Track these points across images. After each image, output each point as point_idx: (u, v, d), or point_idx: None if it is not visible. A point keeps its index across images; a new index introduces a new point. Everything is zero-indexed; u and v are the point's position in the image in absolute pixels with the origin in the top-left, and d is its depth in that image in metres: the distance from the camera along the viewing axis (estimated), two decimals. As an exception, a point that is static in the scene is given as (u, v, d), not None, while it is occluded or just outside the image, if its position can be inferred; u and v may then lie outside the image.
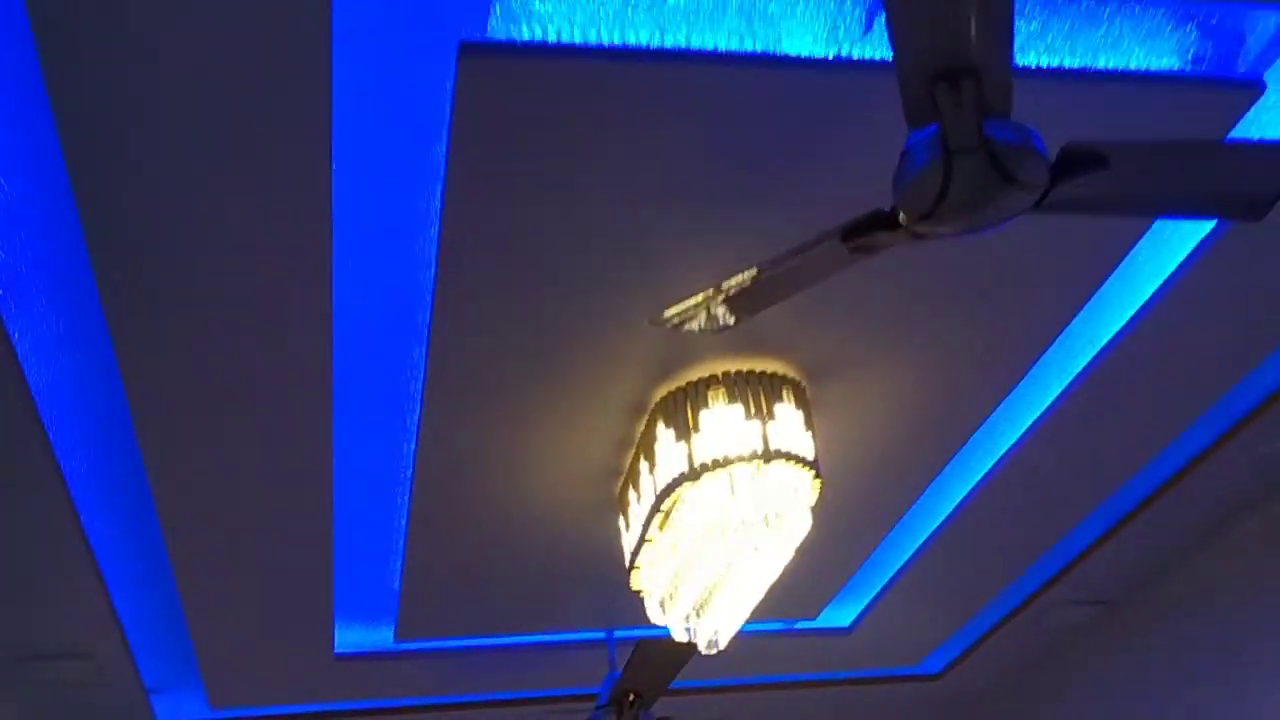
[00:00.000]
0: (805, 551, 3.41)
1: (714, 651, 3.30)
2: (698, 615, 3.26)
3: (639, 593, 3.39)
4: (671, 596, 3.27)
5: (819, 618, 4.67)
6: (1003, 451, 3.73)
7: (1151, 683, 4.60)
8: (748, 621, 4.51)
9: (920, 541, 4.22)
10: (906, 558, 4.32)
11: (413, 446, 3.28)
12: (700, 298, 2.20)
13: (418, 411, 3.15)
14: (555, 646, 4.58)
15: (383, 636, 4.41)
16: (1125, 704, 4.74)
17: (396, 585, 4.06)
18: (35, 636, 3.87)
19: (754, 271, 2.13)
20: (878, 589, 4.55)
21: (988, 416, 3.51)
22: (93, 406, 3.05)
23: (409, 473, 3.43)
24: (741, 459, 2.90)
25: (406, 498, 3.53)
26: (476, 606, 4.19)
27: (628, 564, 3.32)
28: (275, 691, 4.54)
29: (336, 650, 4.36)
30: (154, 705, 4.57)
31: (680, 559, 3.13)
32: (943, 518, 4.07)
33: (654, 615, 3.35)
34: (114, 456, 3.25)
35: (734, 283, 2.16)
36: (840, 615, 4.77)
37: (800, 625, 4.74)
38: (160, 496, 3.29)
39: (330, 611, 4.06)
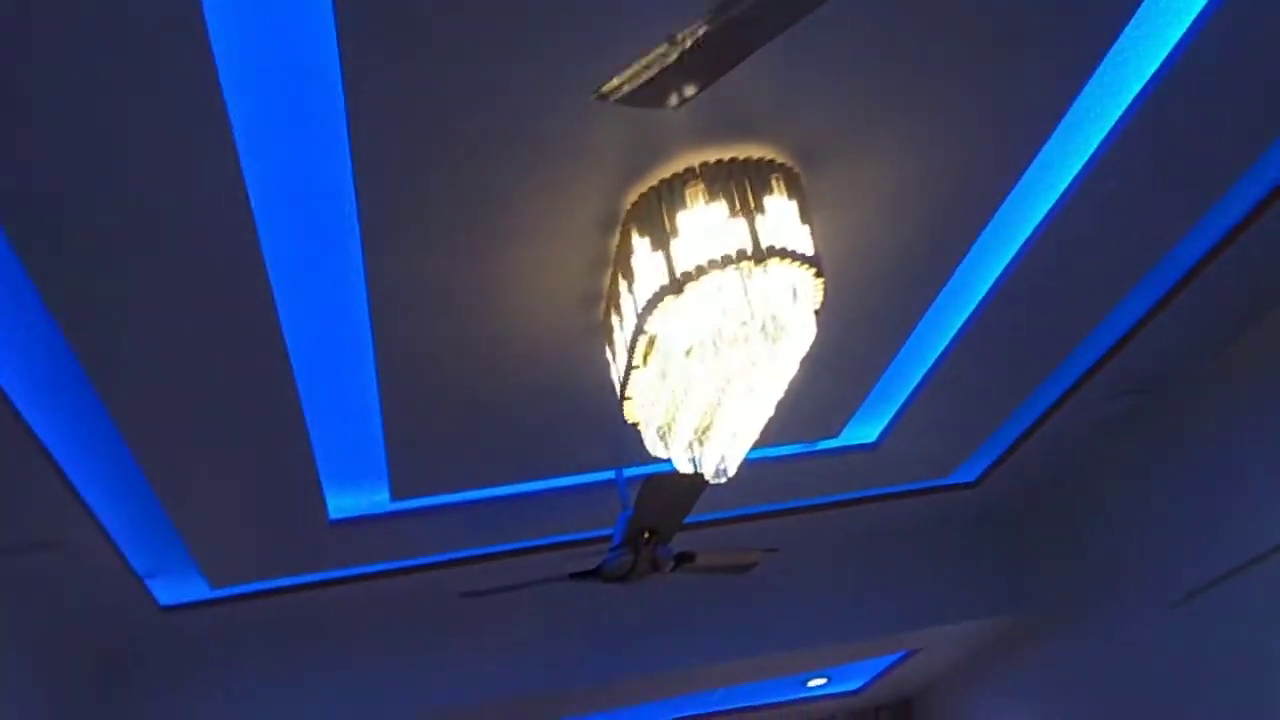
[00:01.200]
0: (817, 365, 3.08)
1: (723, 480, 2.99)
2: (700, 444, 2.94)
3: (635, 425, 3.07)
4: (670, 426, 2.94)
5: (842, 435, 4.36)
6: (1026, 235, 3.34)
7: (1197, 472, 4.29)
8: (767, 445, 4.25)
9: (944, 343, 3.86)
10: (931, 362, 3.98)
11: (363, 291, 2.93)
12: (649, 58, 1.80)
13: (360, 252, 2.78)
14: (562, 492, 4.31)
15: (381, 499, 4.15)
16: (1169, 497, 4.45)
17: (381, 443, 3.77)
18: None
19: (707, 17, 1.73)
20: (903, 399, 4.22)
21: (1005, 196, 3.11)
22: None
23: (366, 321, 3.09)
24: (729, 261, 2.52)
25: (370, 348, 3.20)
26: (472, 458, 3.90)
27: (619, 394, 2.99)
28: (274, 565, 4.32)
29: (331, 516, 4.10)
30: (153, 591, 4.36)
31: (673, 384, 2.79)
32: (966, 314, 3.70)
33: (653, 448, 3.04)
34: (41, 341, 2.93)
35: (686, 33, 1.75)
36: (865, 431, 4.46)
37: (823, 445, 4.44)
38: (99, 383, 2.99)
39: (315, 478, 3.79)
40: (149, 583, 4.31)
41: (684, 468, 3.02)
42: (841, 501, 4.98)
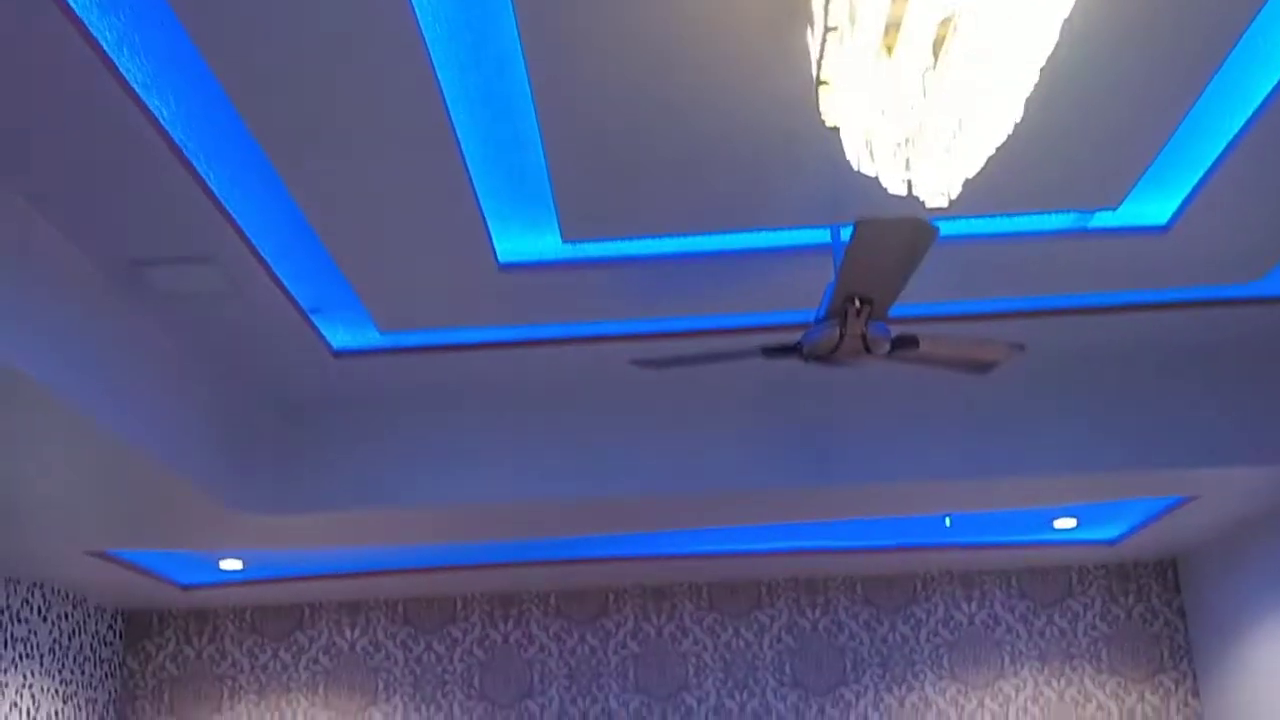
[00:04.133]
0: (1091, 101, 2.26)
1: (944, 203, 2.26)
2: (912, 154, 2.21)
3: (833, 129, 2.37)
4: (877, 128, 2.22)
5: (1122, 208, 3.48)
6: None
7: None
8: (1026, 211, 3.45)
9: (1269, 90, 2.92)
10: (1249, 115, 3.04)
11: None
12: None
13: None
14: (761, 256, 3.65)
15: (552, 242, 3.62)
16: None
17: (547, 176, 3.22)
18: (139, 242, 3.32)
19: None
20: (1207, 165, 3.29)
21: None
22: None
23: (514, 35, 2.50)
24: None
25: (521, 60, 2.62)
26: (651, 197, 3.29)
27: (814, 75, 2.28)
28: (444, 311, 3.90)
29: (500, 260, 3.62)
30: (319, 328, 4.05)
31: (881, 60, 2.06)
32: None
33: (855, 157, 2.33)
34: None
35: None
36: (1153, 208, 3.55)
37: (1097, 221, 3.58)
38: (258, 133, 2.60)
39: (479, 218, 3.30)
40: (315, 318, 4.00)
41: (893, 185, 2.31)
42: (1111, 307, 4.12)
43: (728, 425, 4.53)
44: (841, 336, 3.27)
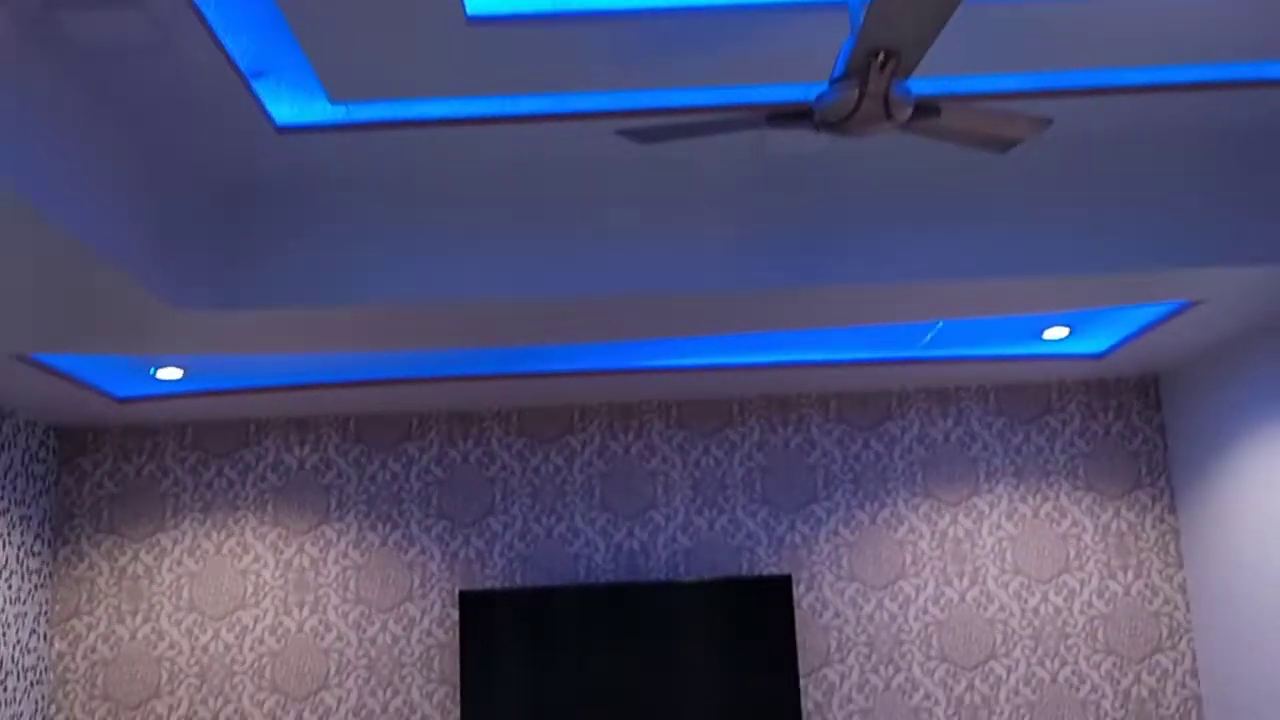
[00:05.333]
0: None
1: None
2: None
3: None
4: None
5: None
6: None
7: None
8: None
9: None
10: None
11: None
12: None
13: None
14: (769, 10, 3.24)
15: (529, -8, 3.18)
16: None
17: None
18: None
19: None
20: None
21: None
22: None
23: None
24: None
25: None
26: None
27: None
28: (404, 77, 3.45)
29: (469, 11, 3.18)
30: (261, 97, 3.59)
31: None
32: None
33: None
34: None
35: None
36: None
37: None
38: None
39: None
40: (257, 84, 3.54)
41: None
42: (1125, 87, 3.78)
43: (713, 223, 4.18)
44: (861, 97, 2.91)
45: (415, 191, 4.14)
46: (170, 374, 5.19)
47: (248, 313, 4.18)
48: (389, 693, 5.68)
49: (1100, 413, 5.95)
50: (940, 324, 5.07)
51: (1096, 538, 5.84)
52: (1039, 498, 5.88)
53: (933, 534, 5.85)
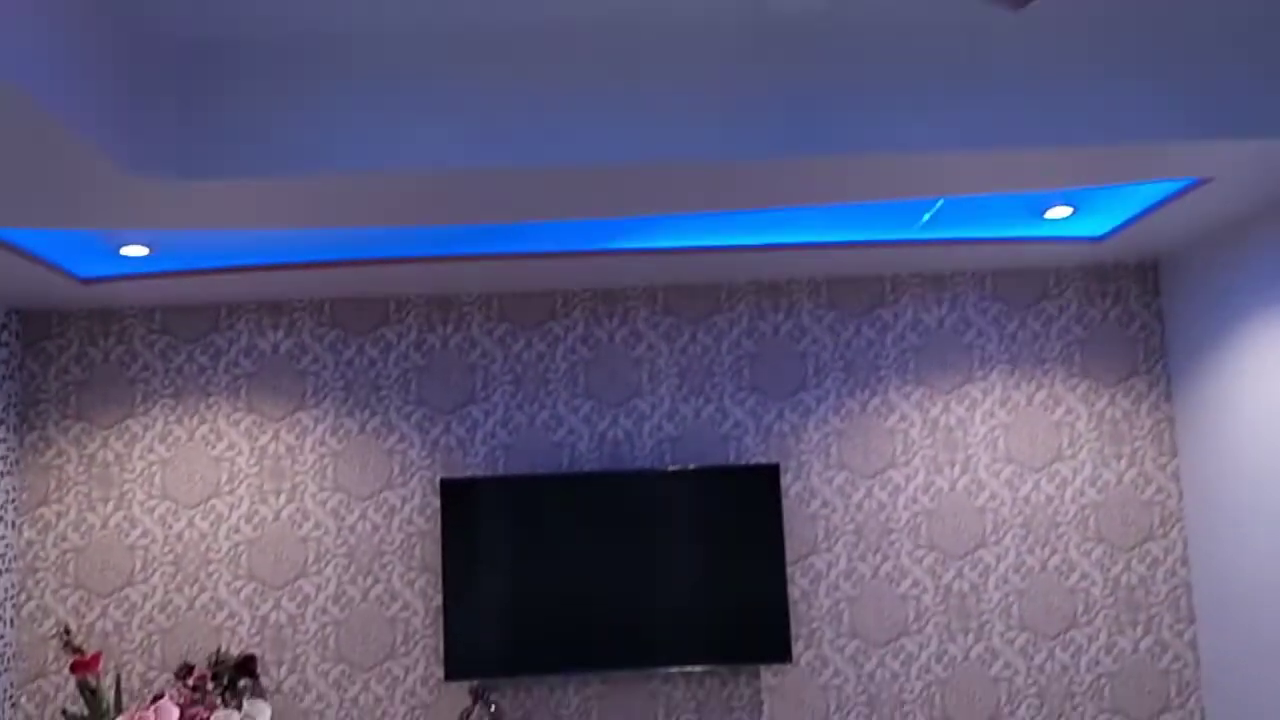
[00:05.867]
0: None
1: None
2: None
3: None
4: None
5: None
6: None
7: None
8: None
9: None
10: None
11: None
12: None
13: None
14: None
15: None
16: None
17: None
18: None
19: None
20: None
21: None
22: None
23: None
24: None
25: None
26: None
27: None
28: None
29: None
30: None
31: None
32: None
33: None
34: None
35: None
36: None
37: None
38: None
39: None
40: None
41: None
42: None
43: (701, 91, 3.93)
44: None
45: (388, 55, 3.89)
46: (135, 251, 4.96)
47: (212, 182, 3.95)
48: (369, 580, 5.57)
49: (1098, 298, 5.80)
50: (940, 203, 4.87)
51: (1090, 425, 5.73)
52: (1033, 385, 5.75)
53: (924, 422, 5.73)
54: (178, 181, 3.91)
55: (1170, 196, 4.81)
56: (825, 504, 5.67)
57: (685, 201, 4.44)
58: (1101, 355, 5.77)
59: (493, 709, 5.16)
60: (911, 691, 5.55)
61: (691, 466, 5.57)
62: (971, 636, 5.58)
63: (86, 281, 5.32)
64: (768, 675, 5.55)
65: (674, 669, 5.42)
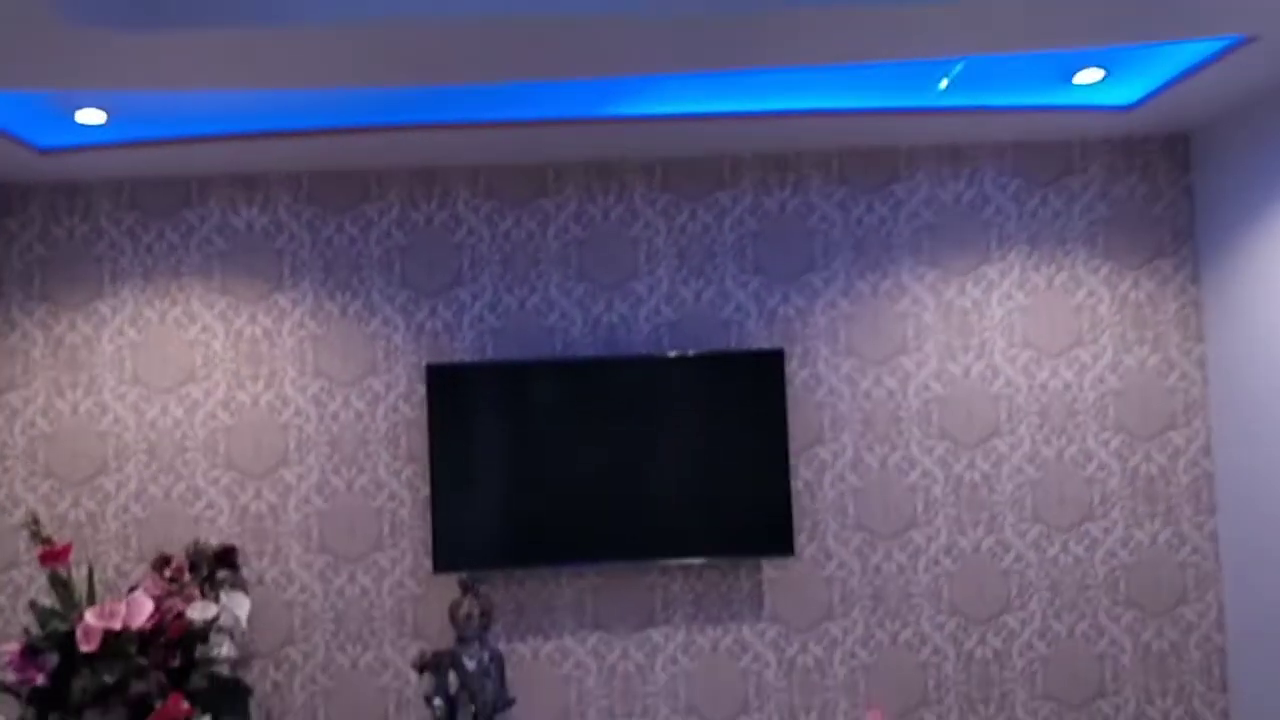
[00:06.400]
0: None
1: None
2: None
3: None
4: None
5: None
6: None
7: None
8: None
9: None
10: None
11: None
12: None
13: None
14: None
15: None
16: None
17: None
18: None
19: None
20: None
21: None
22: None
23: None
24: None
25: None
26: None
27: None
28: None
29: None
30: None
31: None
32: None
33: None
34: None
35: None
36: None
37: None
38: None
39: None
40: None
41: None
42: None
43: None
44: None
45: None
46: (91, 118, 4.61)
47: (165, 35, 3.59)
48: (354, 470, 5.32)
49: (1124, 173, 5.45)
50: (960, 65, 4.50)
51: (1113, 309, 5.42)
52: (1054, 266, 5.43)
53: (937, 305, 5.42)
54: (126, 34, 3.56)
55: (1208, 59, 4.44)
56: (832, 392, 5.39)
57: (676, 59, 4.06)
58: (1126, 235, 5.44)
59: (483, 601, 4.95)
60: (919, 585, 5.34)
61: (691, 352, 5.28)
62: (982, 529, 5.35)
63: (46, 153, 4.97)
64: (769, 569, 5.33)
65: (672, 562, 5.20)
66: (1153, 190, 5.44)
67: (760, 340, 5.39)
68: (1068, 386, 5.39)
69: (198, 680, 4.67)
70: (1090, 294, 5.42)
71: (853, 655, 5.32)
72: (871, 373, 5.39)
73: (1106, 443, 5.37)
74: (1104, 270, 5.43)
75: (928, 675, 5.31)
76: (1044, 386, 5.39)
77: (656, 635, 5.30)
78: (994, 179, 5.45)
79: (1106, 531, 5.34)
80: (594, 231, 5.42)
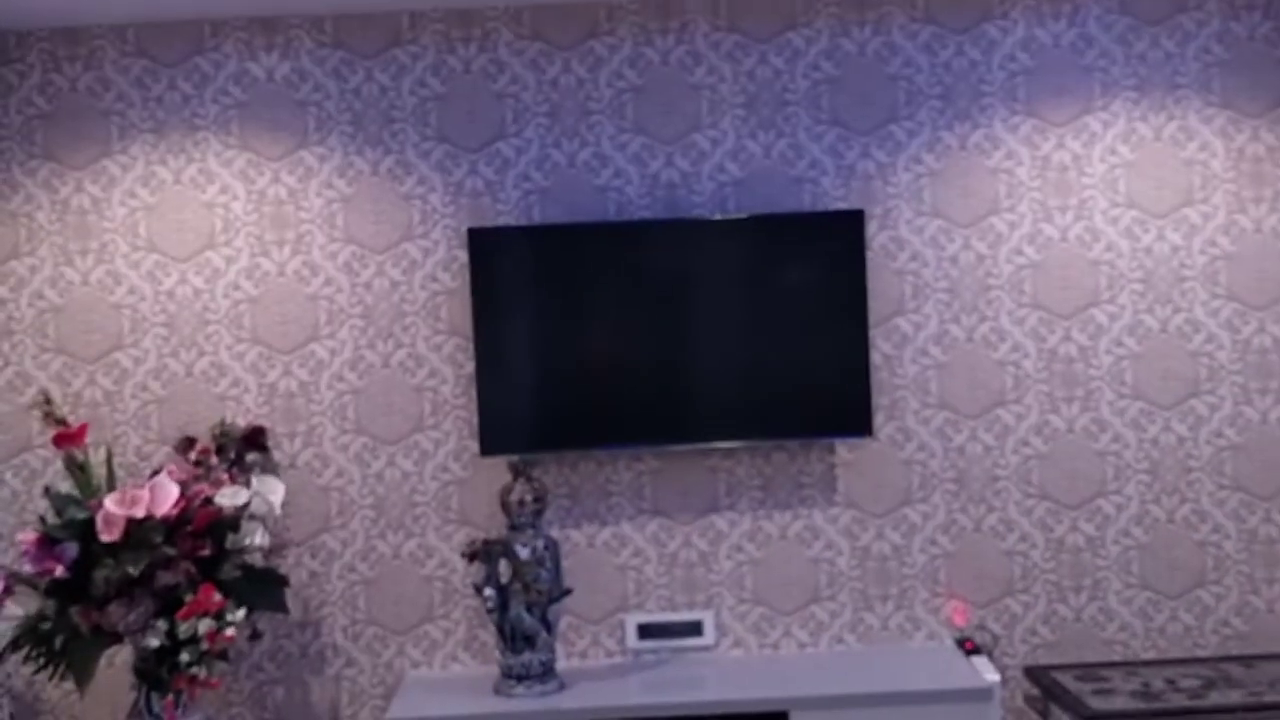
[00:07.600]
0: None
1: None
2: None
3: None
4: None
5: None
6: None
7: None
8: None
9: None
10: None
11: None
12: None
13: None
14: None
15: None
16: None
17: None
18: None
19: None
20: None
21: None
22: None
23: None
24: None
25: None
26: None
27: None
28: None
29: None
30: None
31: None
32: None
33: None
34: None
35: None
36: None
37: None
38: None
39: None
40: None
41: None
42: None
43: None
44: None
45: None
46: (89, -57, 4.06)
47: None
48: (390, 345, 4.88)
49: (1244, 11, 4.85)
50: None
51: (1228, 164, 4.88)
52: (1163, 116, 4.88)
53: (1033, 160, 4.89)
54: None
55: None
56: (915, 257, 4.90)
57: None
58: (1246, 81, 4.87)
59: (536, 485, 4.54)
60: (1006, 468, 4.92)
61: (759, 213, 4.77)
62: (1077, 406, 4.90)
63: (39, -12, 4.43)
64: (843, 450, 4.90)
65: (737, 443, 4.77)
66: (1276, 30, 4.86)
67: (836, 200, 4.88)
68: (1175, 250, 4.88)
69: (229, 570, 4.30)
70: (1203, 147, 4.87)
71: (933, 542, 4.92)
72: (959, 236, 4.89)
73: (1216, 312, 4.88)
74: (1219, 120, 4.87)
75: (1013, 564, 4.92)
76: (1149, 250, 4.88)
77: (720, 521, 4.91)
78: (1099, 18, 4.86)
79: (1213, 409, 4.89)
80: (651, 78, 4.87)
